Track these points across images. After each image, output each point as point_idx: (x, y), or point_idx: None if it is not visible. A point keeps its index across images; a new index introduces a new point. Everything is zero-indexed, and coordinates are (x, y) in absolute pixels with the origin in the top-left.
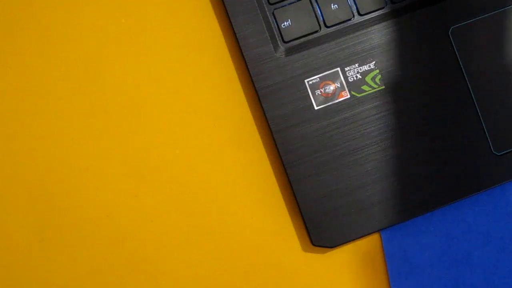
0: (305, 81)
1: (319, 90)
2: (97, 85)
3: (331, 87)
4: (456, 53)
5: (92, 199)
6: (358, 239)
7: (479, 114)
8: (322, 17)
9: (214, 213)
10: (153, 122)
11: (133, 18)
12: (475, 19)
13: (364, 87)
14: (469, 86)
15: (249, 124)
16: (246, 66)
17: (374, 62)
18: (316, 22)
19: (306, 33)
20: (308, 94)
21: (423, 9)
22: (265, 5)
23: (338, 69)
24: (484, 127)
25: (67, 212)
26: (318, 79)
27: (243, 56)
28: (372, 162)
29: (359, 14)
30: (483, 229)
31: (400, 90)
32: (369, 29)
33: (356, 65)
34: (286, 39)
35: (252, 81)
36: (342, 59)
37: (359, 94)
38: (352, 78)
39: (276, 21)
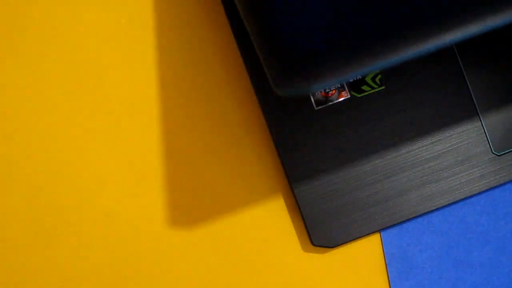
0: None
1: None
2: (97, 85)
3: (331, 87)
4: (456, 53)
5: (91, 199)
6: (358, 239)
7: (479, 114)
8: None
9: (214, 213)
10: (153, 121)
11: (133, 18)
12: None
13: (364, 87)
14: (469, 86)
15: (249, 124)
16: (246, 66)
17: None
18: None
19: None
20: (308, 94)
21: None
22: None
23: None
24: (484, 127)
25: (66, 212)
26: None
27: (242, 56)
28: (372, 162)
29: None
30: (483, 229)
31: (400, 90)
32: None
33: None
34: None
35: (251, 81)
36: None
37: (359, 94)
38: (352, 78)
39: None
